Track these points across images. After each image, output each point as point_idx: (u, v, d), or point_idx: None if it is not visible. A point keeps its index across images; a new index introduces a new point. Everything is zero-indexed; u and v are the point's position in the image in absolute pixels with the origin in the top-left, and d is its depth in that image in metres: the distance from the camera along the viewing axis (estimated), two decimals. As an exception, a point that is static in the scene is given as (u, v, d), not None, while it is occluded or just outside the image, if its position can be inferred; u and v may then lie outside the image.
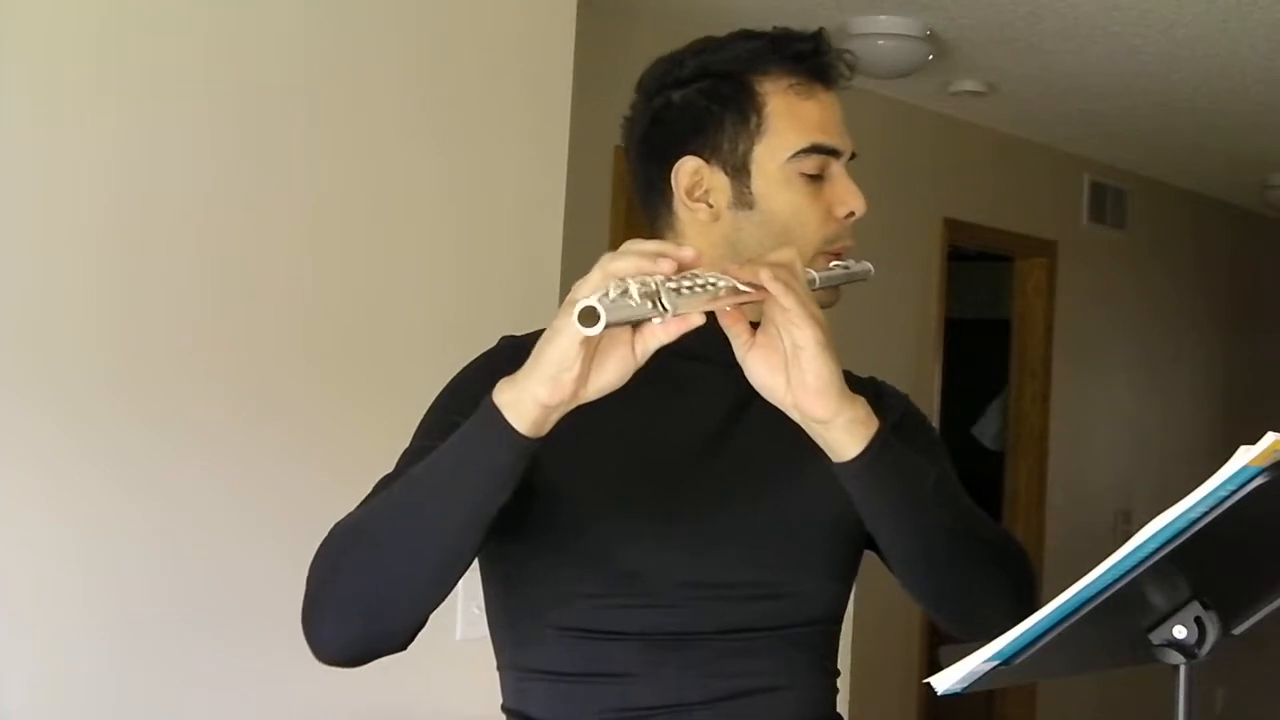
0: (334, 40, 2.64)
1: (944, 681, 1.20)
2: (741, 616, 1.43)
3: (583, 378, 1.20)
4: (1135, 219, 6.09)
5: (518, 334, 1.50)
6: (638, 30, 3.78)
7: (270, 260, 2.54)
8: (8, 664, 2.24)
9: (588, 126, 3.09)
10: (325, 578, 1.32)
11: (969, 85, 4.63)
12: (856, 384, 1.55)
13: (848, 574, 1.51)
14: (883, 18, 3.91)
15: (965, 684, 1.20)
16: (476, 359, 1.49)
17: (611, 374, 1.23)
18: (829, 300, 1.47)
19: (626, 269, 1.17)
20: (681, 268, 1.21)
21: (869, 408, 1.32)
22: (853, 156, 1.51)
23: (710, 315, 1.25)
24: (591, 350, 1.20)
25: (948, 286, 5.17)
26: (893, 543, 1.39)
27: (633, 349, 1.22)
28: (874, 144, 4.67)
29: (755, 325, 1.33)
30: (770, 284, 1.26)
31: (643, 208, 1.54)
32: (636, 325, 1.20)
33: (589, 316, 1.12)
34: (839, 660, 1.56)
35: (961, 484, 1.53)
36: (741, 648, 1.43)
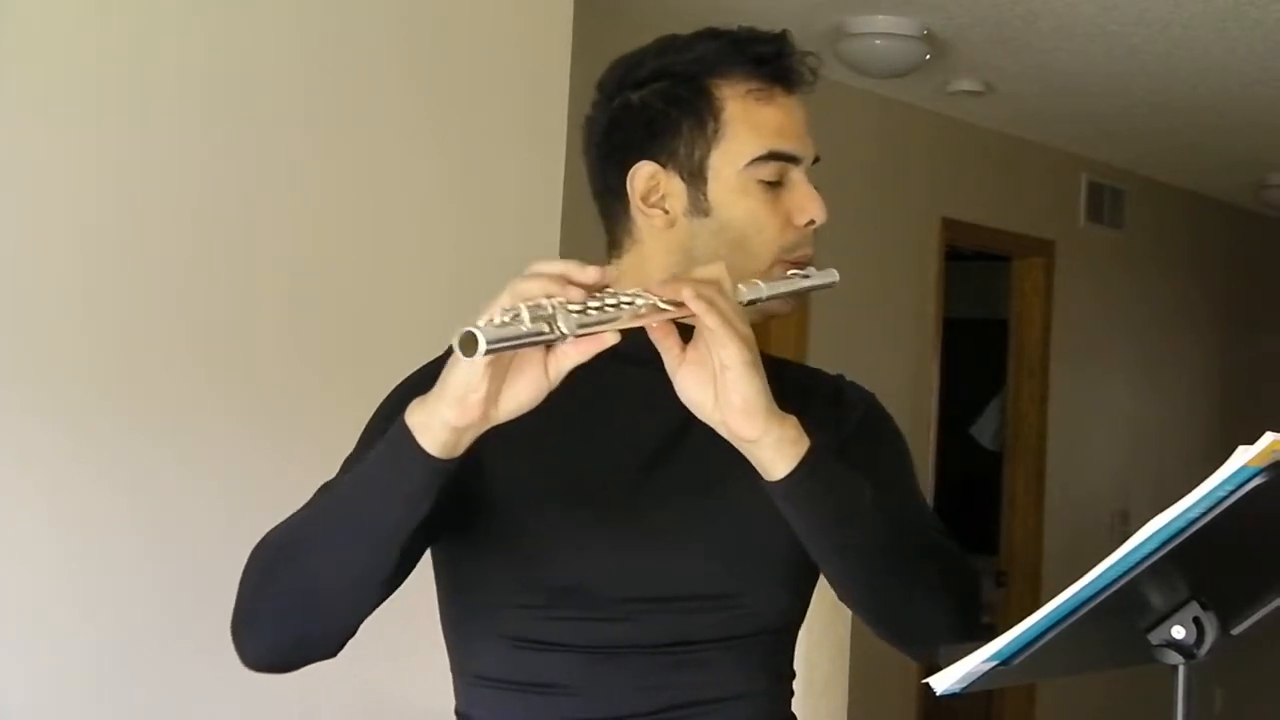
0: (330, 41, 2.64)
1: (943, 682, 1.20)
2: (688, 628, 1.41)
3: (491, 399, 1.20)
4: (1133, 219, 6.09)
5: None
6: (635, 30, 3.77)
7: (265, 261, 2.54)
8: (4, 665, 2.23)
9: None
10: (253, 587, 1.34)
11: (966, 85, 4.63)
12: (820, 381, 1.56)
13: (800, 584, 1.47)
14: (880, 17, 3.91)
15: (964, 684, 1.20)
16: (423, 365, 1.48)
17: (524, 395, 1.22)
18: (785, 310, 1.45)
19: (532, 290, 1.17)
20: (593, 288, 1.20)
21: (799, 427, 1.29)
22: (815, 160, 1.48)
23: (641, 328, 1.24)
24: (502, 372, 1.20)
25: (945, 286, 5.16)
26: (823, 560, 1.36)
27: (545, 370, 1.21)
28: (871, 144, 4.68)
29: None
30: (692, 302, 1.23)
31: (600, 212, 1.51)
32: (548, 346, 1.19)
33: (469, 343, 1.12)
34: (794, 661, 1.54)
35: (916, 487, 1.51)
36: (688, 659, 1.41)
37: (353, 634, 1.35)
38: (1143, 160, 5.87)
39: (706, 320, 1.24)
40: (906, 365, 4.90)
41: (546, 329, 1.15)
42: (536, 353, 1.21)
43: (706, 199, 1.43)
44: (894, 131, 4.88)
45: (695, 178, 1.43)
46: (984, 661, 1.18)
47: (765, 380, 1.27)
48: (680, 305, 1.25)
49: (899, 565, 1.36)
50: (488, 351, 1.11)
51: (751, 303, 1.35)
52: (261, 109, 2.54)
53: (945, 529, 1.48)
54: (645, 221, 1.45)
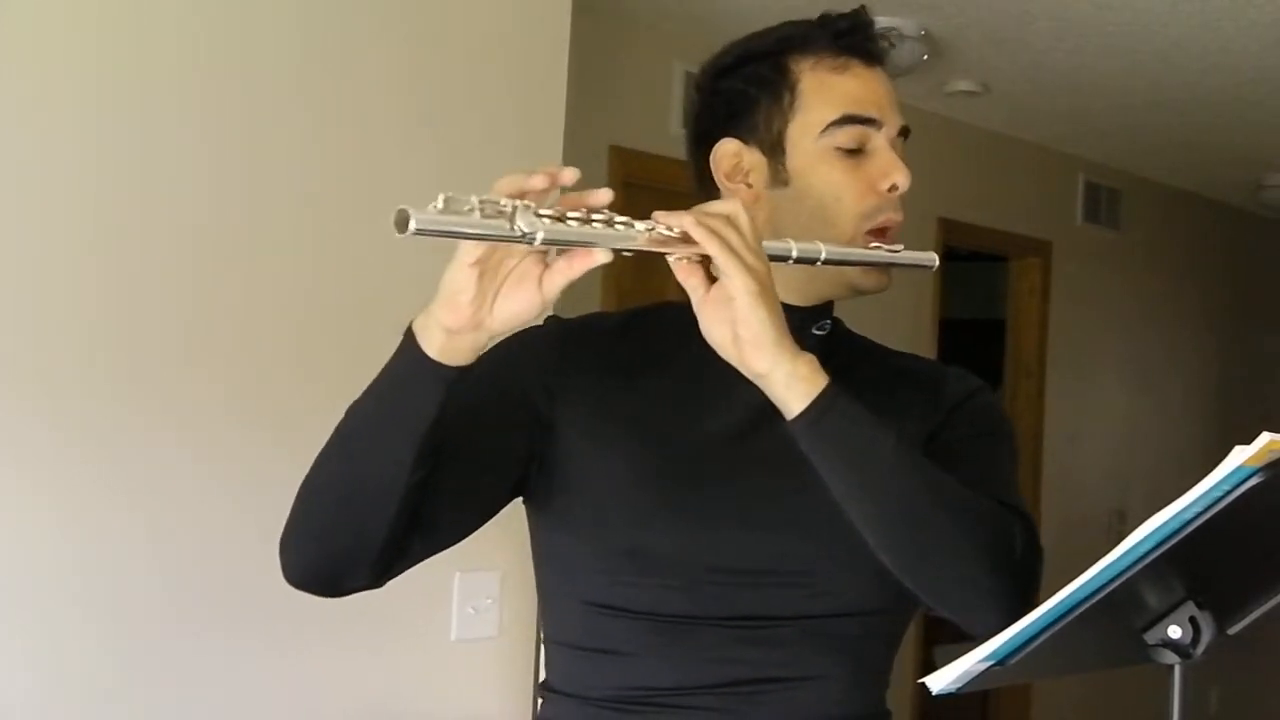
0: (329, 43, 2.64)
1: (939, 682, 1.20)
2: (758, 603, 1.40)
3: (481, 303, 1.22)
4: (1129, 219, 6.10)
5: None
6: (632, 32, 3.78)
7: (266, 260, 2.54)
8: (5, 663, 2.23)
9: (583, 128, 3.09)
10: (296, 502, 1.37)
11: (963, 85, 4.63)
12: (923, 367, 1.57)
13: (888, 570, 1.41)
14: (877, 18, 3.90)
15: (960, 684, 1.20)
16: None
17: (517, 307, 1.23)
18: (870, 284, 1.47)
19: (503, 186, 1.17)
20: (576, 202, 1.20)
21: (815, 364, 1.27)
22: (905, 133, 1.50)
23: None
24: (493, 279, 1.21)
25: (942, 286, 5.17)
26: (846, 506, 1.31)
27: (539, 284, 1.23)
28: (868, 144, 4.68)
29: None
30: (693, 229, 1.23)
31: (697, 197, 1.51)
32: (527, 246, 1.17)
33: (400, 221, 1.09)
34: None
35: (1006, 476, 1.45)
36: (757, 635, 1.41)
37: (390, 562, 1.35)
38: (1140, 161, 5.87)
39: (708, 247, 1.24)
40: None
41: (507, 226, 1.13)
42: (534, 268, 1.22)
43: (785, 170, 1.45)
44: (891, 131, 4.87)
45: (774, 150, 1.46)
46: (979, 661, 1.18)
47: (777, 313, 1.26)
48: (686, 236, 1.24)
49: (926, 519, 1.30)
50: (417, 233, 1.09)
51: (803, 262, 1.34)
52: (262, 110, 2.54)
53: (1021, 510, 1.41)
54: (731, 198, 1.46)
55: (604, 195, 1.22)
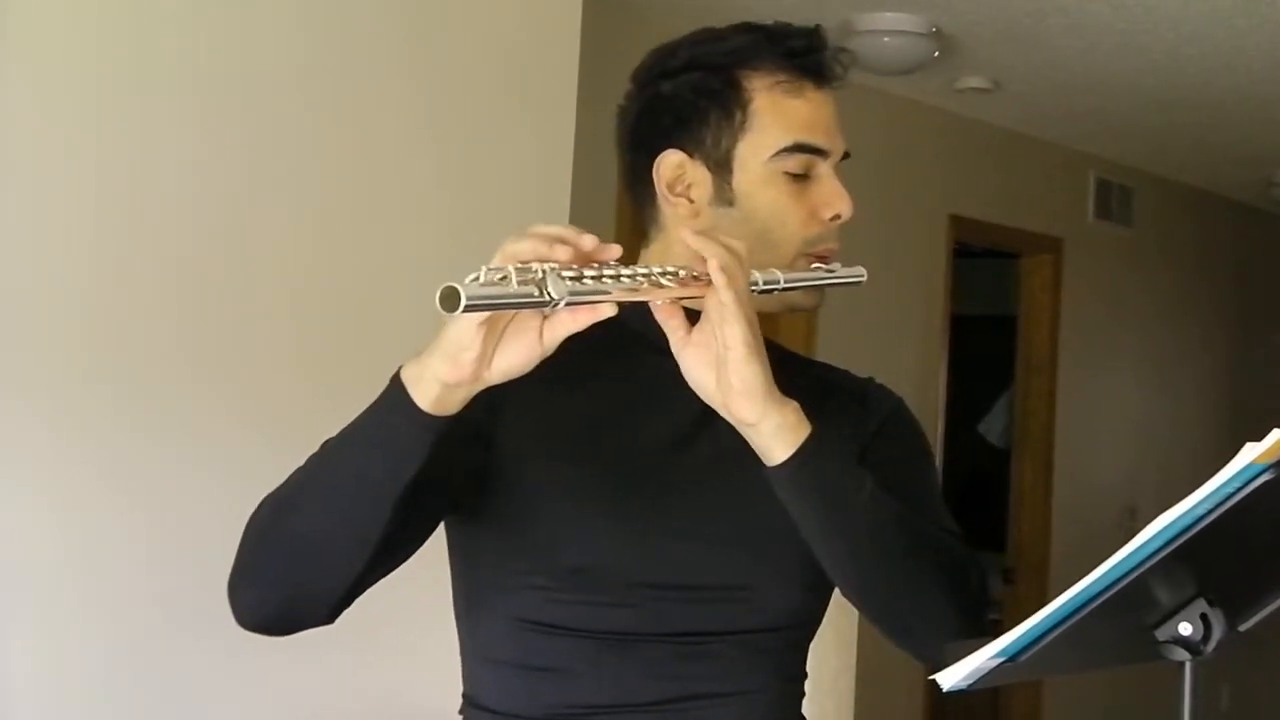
0: (330, 40, 2.64)
1: (950, 678, 1.20)
2: (695, 619, 1.41)
3: (484, 359, 1.19)
4: (1141, 216, 6.09)
5: None
6: (643, 27, 3.77)
7: (265, 261, 2.54)
8: (4, 663, 2.24)
9: (593, 125, 3.08)
10: (250, 542, 1.33)
11: (974, 82, 4.63)
12: (846, 382, 1.55)
13: (816, 582, 1.44)
14: (888, 14, 3.91)
15: (971, 680, 1.20)
16: None
17: (515, 359, 1.21)
18: (807, 303, 1.46)
19: (523, 252, 1.16)
20: (585, 257, 1.18)
21: (800, 414, 1.28)
22: (845, 156, 1.48)
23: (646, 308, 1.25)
24: (496, 333, 1.19)
25: (954, 283, 5.17)
26: (820, 551, 1.34)
27: (540, 336, 1.21)
28: (879, 141, 4.67)
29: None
30: (715, 273, 1.23)
31: (629, 199, 1.52)
32: (544, 314, 1.18)
33: (449, 298, 1.09)
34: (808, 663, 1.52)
35: (933, 494, 1.49)
36: (694, 651, 1.41)
37: (349, 599, 1.33)
38: (1151, 157, 5.86)
39: (722, 295, 1.23)
40: (914, 362, 4.90)
41: (536, 293, 1.13)
42: (532, 318, 1.20)
43: (731, 189, 1.44)
44: (902, 129, 4.87)
45: (721, 167, 1.44)
46: (991, 658, 1.18)
47: (767, 364, 1.26)
48: (684, 282, 1.24)
49: (896, 560, 1.34)
50: (467, 308, 1.09)
51: (766, 291, 1.35)
52: (263, 109, 2.54)
53: (960, 535, 1.45)
54: (670, 210, 1.46)
55: (615, 250, 1.21)
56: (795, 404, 1.29)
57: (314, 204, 2.60)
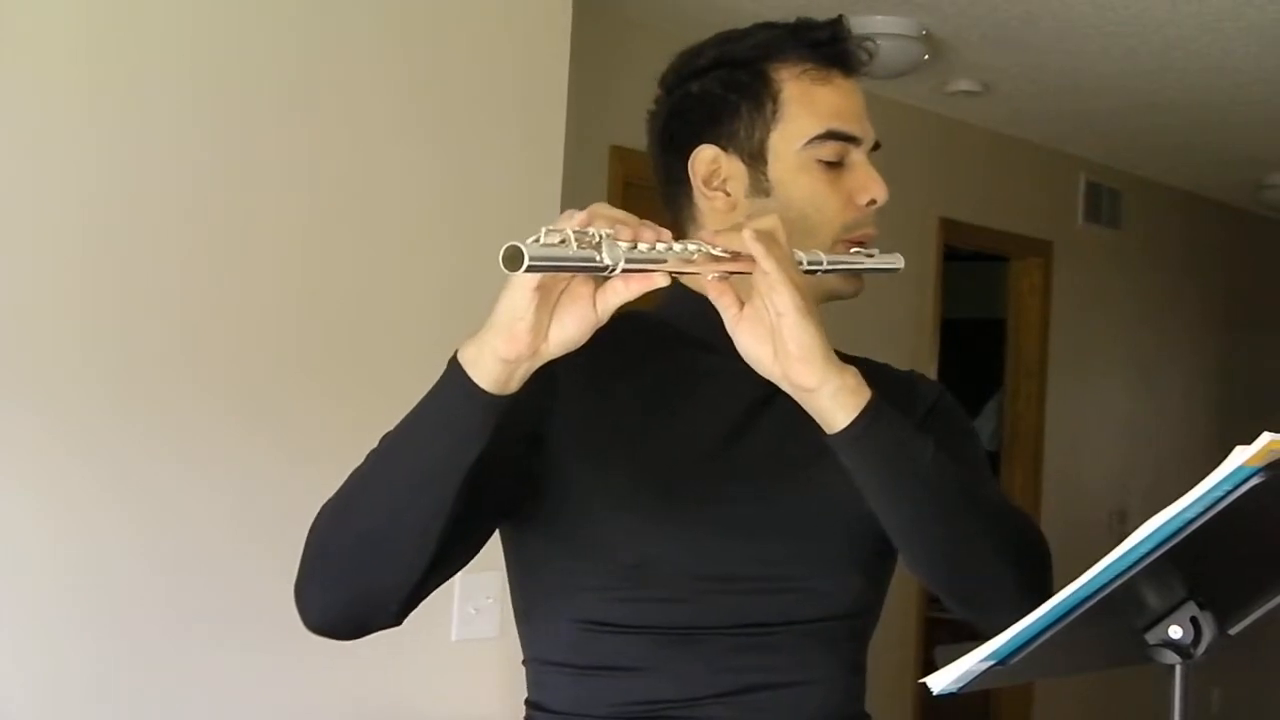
0: (326, 43, 2.64)
1: (940, 682, 1.20)
2: (755, 610, 1.41)
3: (539, 330, 1.19)
4: (1130, 219, 6.10)
5: None
6: (633, 31, 3.78)
7: (262, 262, 2.54)
8: (3, 666, 2.23)
9: (584, 127, 3.09)
10: (314, 543, 1.32)
11: (964, 85, 4.63)
12: (891, 373, 1.58)
13: (873, 570, 1.47)
14: (878, 18, 3.91)
15: (961, 684, 1.20)
16: None
17: (572, 329, 1.21)
18: (847, 290, 1.48)
19: (581, 221, 1.16)
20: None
21: (860, 378, 1.29)
22: (876, 147, 1.50)
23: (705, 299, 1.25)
24: (549, 303, 1.19)
25: (943, 286, 5.17)
26: (887, 517, 1.34)
27: (594, 305, 1.21)
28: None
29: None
30: (752, 245, 1.24)
31: (664, 201, 1.53)
32: (597, 281, 1.19)
33: (513, 258, 1.10)
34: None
35: (988, 472, 1.52)
36: (756, 642, 1.41)
37: (413, 600, 1.33)
38: (1140, 161, 5.87)
39: (763, 264, 1.24)
40: (904, 365, 4.84)
41: (595, 257, 1.14)
42: (585, 287, 1.20)
43: (767, 179, 1.45)
44: (892, 132, 4.83)
45: (755, 159, 1.45)
46: (981, 661, 1.18)
47: (822, 327, 1.27)
48: (735, 256, 1.25)
49: (962, 524, 1.34)
50: (530, 268, 1.10)
51: (811, 271, 1.36)
52: (258, 111, 2.53)
53: (1023, 510, 1.47)
54: (707, 205, 1.47)
55: (668, 234, 1.22)
56: (854, 369, 1.29)
57: (308, 206, 2.60)
